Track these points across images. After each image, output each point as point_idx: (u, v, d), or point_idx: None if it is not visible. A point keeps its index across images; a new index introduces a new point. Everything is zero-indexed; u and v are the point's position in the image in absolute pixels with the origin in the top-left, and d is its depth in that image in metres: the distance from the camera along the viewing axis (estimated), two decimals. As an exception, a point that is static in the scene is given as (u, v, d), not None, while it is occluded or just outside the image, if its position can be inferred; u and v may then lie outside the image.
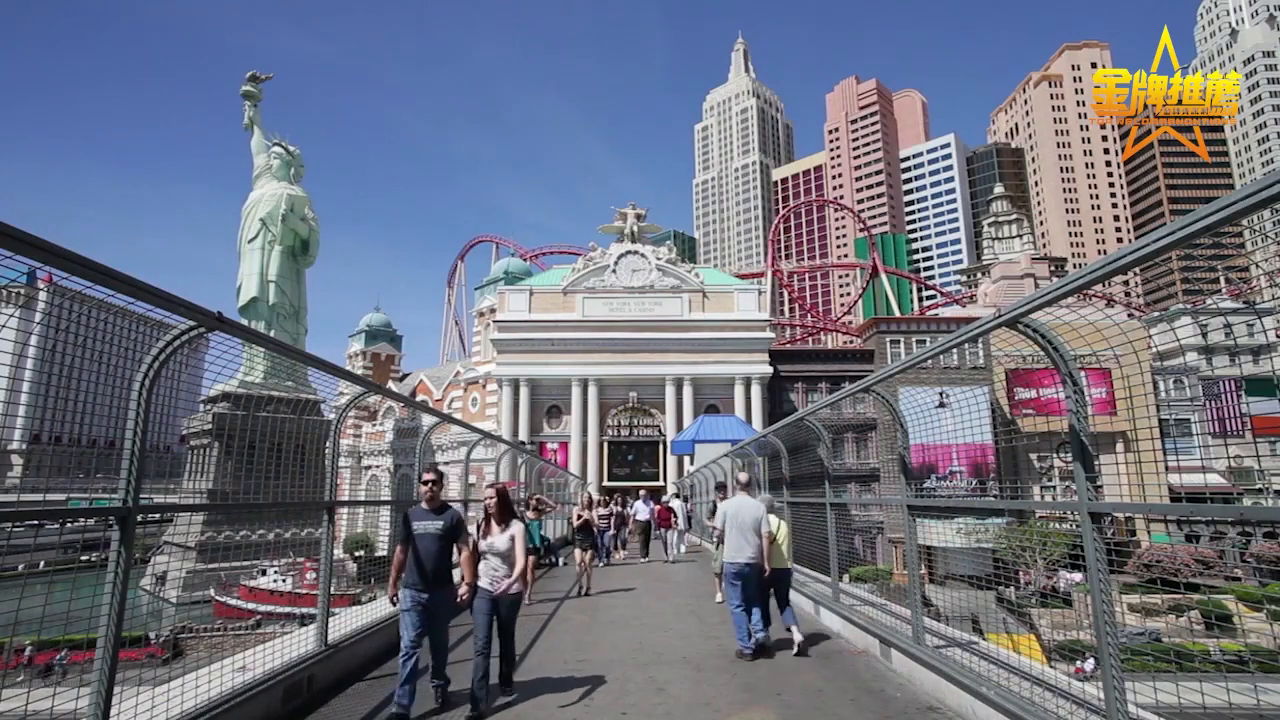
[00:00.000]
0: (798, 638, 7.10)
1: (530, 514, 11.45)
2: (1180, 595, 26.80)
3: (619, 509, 19.77)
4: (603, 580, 13.13)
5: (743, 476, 8.39)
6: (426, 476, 5.51)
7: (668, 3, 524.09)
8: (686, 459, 36.05)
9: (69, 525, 4.08)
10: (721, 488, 10.72)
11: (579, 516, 12.67)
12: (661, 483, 44.00)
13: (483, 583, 5.65)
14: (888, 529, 40.28)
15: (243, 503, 7.68)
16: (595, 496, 27.45)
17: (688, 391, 48.47)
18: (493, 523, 5.80)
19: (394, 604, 5.58)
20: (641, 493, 20.42)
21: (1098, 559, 3.58)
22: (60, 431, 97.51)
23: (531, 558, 10.73)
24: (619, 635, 8.39)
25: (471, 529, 5.86)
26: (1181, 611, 26.01)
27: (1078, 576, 20.68)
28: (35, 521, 3.50)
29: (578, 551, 12.16)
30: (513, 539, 5.72)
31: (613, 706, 5.42)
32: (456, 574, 5.64)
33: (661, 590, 12.25)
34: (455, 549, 5.50)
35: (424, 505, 5.51)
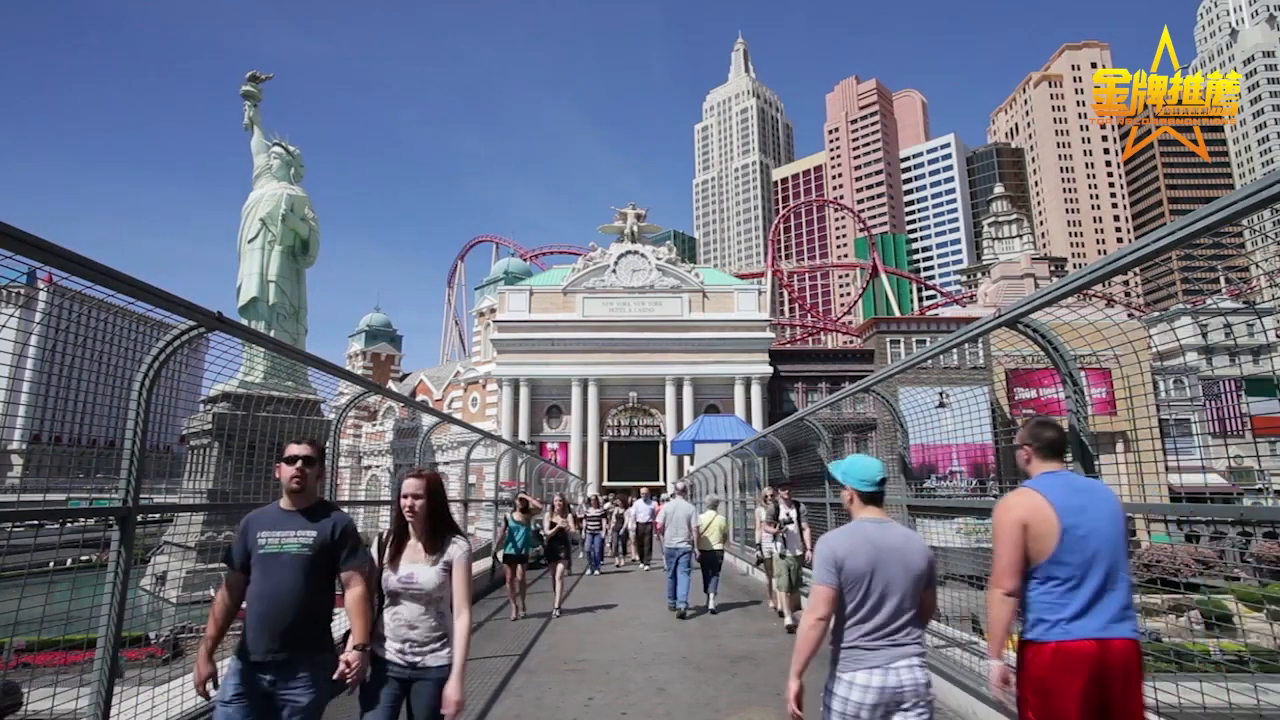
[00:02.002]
0: (711, 604, 9.80)
1: (517, 516, 10.16)
2: (1180, 595, 26.78)
3: (612, 508, 19.00)
4: (598, 589, 12.57)
5: (679, 484, 11.48)
6: (292, 451, 2.98)
7: (668, 3, 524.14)
8: (686, 459, 36.04)
9: (69, 525, 4.05)
10: (778, 485, 10.80)
11: (551, 524, 10.84)
12: (661, 483, 43.99)
13: (390, 649, 2.97)
14: (888, 529, 40.21)
15: (243, 503, 7.62)
16: (591, 494, 27.19)
17: (688, 391, 48.47)
18: (412, 540, 3.08)
19: (204, 694, 2.89)
20: (642, 492, 20.12)
21: (1098, 559, 3.58)
22: (60, 431, 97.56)
23: (520, 565, 9.80)
24: (619, 635, 8.41)
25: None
26: (1181, 611, 25.97)
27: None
28: (35, 521, 3.51)
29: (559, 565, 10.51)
30: (448, 570, 3.03)
31: (613, 706, 5.43)
32: (339, 628, 3.24)
33: (662, 593, 12.16)
34: (338, 583, 3.00)
35: (283, 504, 3.01)
